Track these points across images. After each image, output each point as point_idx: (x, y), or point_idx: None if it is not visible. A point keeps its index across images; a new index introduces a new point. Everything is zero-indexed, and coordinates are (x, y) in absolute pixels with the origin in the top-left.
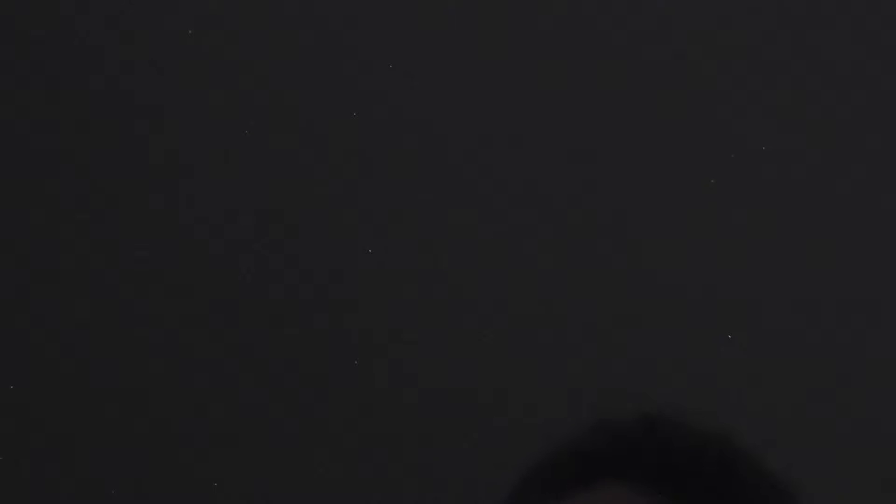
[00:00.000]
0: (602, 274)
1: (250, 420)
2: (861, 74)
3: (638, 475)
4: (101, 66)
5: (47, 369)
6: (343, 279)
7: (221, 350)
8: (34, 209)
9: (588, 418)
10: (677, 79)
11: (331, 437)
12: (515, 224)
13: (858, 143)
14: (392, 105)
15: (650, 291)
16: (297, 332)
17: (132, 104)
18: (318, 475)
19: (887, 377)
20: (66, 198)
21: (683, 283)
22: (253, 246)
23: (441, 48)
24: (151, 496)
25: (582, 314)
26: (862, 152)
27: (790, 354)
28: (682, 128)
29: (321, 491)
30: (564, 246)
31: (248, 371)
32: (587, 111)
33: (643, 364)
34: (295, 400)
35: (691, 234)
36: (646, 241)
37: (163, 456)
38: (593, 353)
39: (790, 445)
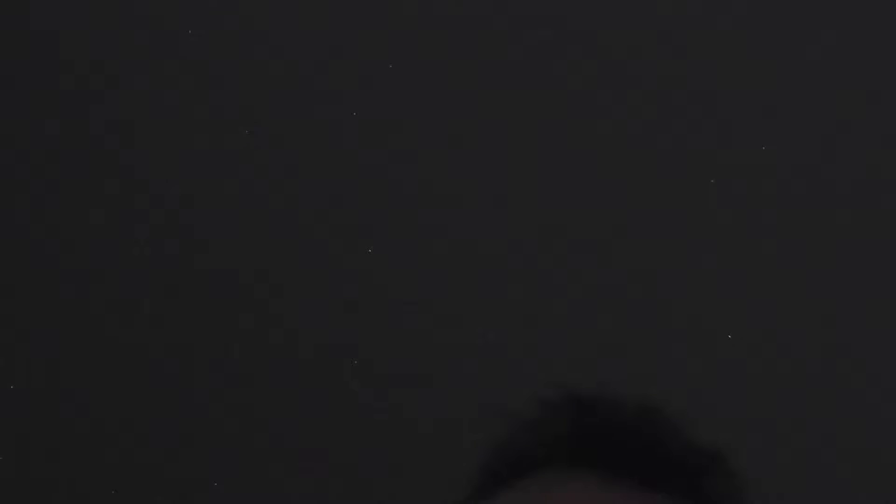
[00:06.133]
0: (602, 274)
1: (250, 420)
2: (861, 74)
3: (581, 456)
4: (100, 65)
5: (47, 369)
6: (343, 279)
7: (220, 350)
8: (34, 209)
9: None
10: (677, 79)
11: (331, 437)
12: (516, 224)
13: (859, 143)
14: (392, 105)
15: (650, 291)
16: (296, 332)
17: (132, 104)
18: (318, 475)
19: (887, 377)
20: (65, 198)
21: (683, 283)
22: (252, 246)
23: (441, 48)
24: (151, 496)
25: (582, 314)
26: (862, 152)
27: (790, 354)
28: (682, 128)
29: (321, 491)
30: (564, 246)
31: (247, 371)
32: (587, 111)
33: (643, 364)
34: (295, 400)
35: (691, 234)
36: (646, 241)
37: (163, 456)
38: (593, 354)
39: (790, 445)
